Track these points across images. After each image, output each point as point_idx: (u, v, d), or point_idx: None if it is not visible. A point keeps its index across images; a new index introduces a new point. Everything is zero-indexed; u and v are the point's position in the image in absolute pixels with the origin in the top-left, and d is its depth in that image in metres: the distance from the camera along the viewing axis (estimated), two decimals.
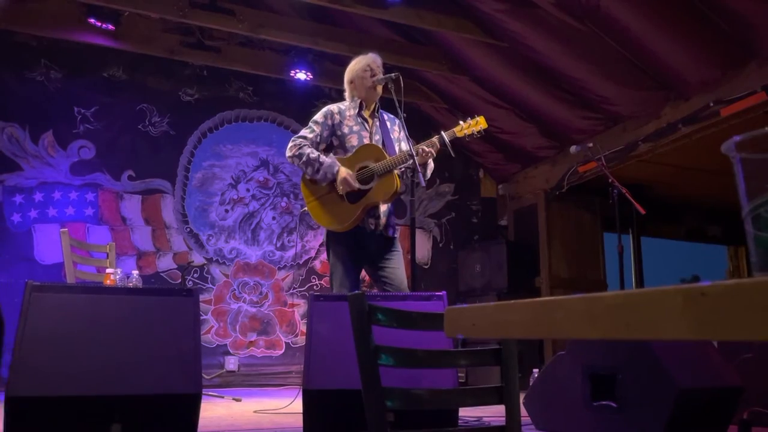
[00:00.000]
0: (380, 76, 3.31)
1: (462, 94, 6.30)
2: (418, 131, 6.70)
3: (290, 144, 3.24)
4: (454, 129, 3.25)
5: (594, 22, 4.63)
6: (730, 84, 4.53)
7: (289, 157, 3.24)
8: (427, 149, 3.15)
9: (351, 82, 3.38)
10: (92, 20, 5.21)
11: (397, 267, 3.21)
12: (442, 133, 3.22)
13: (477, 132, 3.24)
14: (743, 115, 4.44)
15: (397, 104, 3.13)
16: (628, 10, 4.39)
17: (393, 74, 3.22)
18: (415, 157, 3.06)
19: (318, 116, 3.32)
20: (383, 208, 3.24)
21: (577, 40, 4.88)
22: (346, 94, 3.42)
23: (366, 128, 3.32)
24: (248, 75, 6.24)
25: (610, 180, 4.14)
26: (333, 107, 3.35)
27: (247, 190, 6.22)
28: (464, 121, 3.27)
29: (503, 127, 6.36)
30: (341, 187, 3.14)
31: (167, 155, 5.97)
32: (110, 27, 5.28)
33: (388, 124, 3.39)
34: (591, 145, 4.61)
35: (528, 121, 6.17)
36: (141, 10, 5.24)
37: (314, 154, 3.18)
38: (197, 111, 6.16)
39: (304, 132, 3.27)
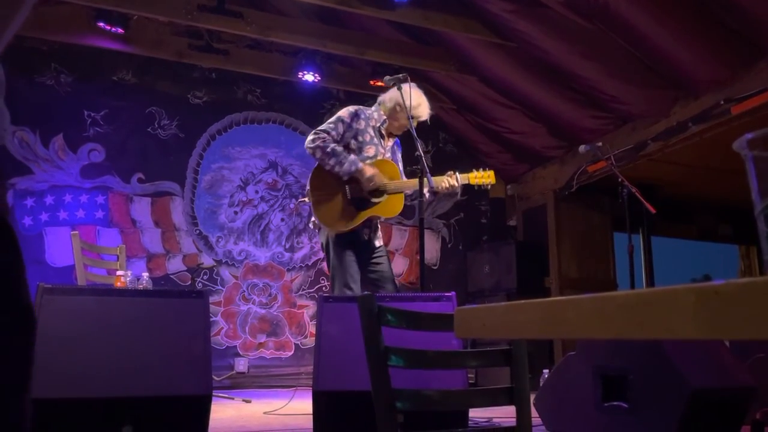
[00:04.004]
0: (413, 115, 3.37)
1: (470, 95, 6.28)
2: (426, 132, 6.73)
3: (312, 135, 3.28)
4: (468, 174, 3.38)
5: (603, 21, 4.61)
6: (741, 82, 4.49)
7: (311, 147, 3.25)
8: (446, 185, 3.28)
9: (391, 105, 3.41)
10: (101, 24, 5.24)
11: (384, 263, 3.38)
12: (457, 175, 3.32)
13: (485, 185, 3.39)
14: (754, 113, 4.40)
15: (405, 105, 3.18)
16: (637, 8, 4.37)
17: (401, 75, 3.26)
18: (429, 173, 3.13)
19: (345, 115, 3.36)
20: (378, 220, 3.40)
21: (586, 40, 4.86)
22: (385, 105, 3.46)
23: (382, 145, 3.45)
24: (256, 77, 6.26)
25: (619, 179, 4.11)
26: (360, 111, 3.41)
27: (256, 191, 6.23)
28: (477, 170, 3.41)
29: (512, 128, 6.34)
30: (370, 184, 3.23)
31: (176, 158, 6.00)
32: (119, 31, 5.31)
33: (395, 147, 3.58)
34: (600, 144, 4.58)
35: (537, 120, 6.15)
36: (149, 14, 5.26)
37: (339, 148, 3.26)
38: (206, 113, 6.18)
39: (327, 126, 3.32)
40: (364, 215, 3.24)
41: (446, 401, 1.33)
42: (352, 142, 3.34)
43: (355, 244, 3.31)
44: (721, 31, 4.32)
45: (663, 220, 7.02)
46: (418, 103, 3.37)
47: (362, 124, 3.36)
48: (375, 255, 3.38)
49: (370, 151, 3.35)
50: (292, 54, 6.04)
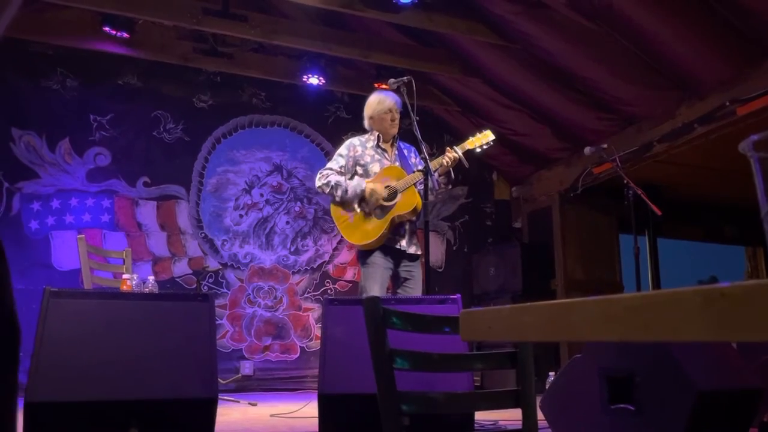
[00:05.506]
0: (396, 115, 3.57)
1: (475, 97, 6.28)
2: (431, 134, 6.73)
3: (318, 175, 3.54)
4: (465, 143, 3.50)
5: (607, 22, 4.60)
6: (746, 83, 4.48)
7: (319, 186, 3.51)
8: (447, 161, 3.38)
9: (371, 117, 3.63)
10: (107, 29, 5.26)
11: (414, 288, 3.46)
12: (455, 147, 3.44)
13: (486, 143, 3.51)
14: (760, 114, 4.38)
15: (409, 107, 3.21)
16: (641, 9, 4.36)
17: (405, 78, 3.30)
18: (430, 162, 3.23)
19: (342, 149, 3.63)
20: (407, 225, 3.49)
21: (590, 41, 4.85)
22: (366, 124, 3.68)
23: (386, 157, 3.60)
24: (261, 81, 6.27)
25: (625, 181, 4.10)
26: (354, 140, 3.65)
27: (261, 195, 6.24)
28: (473, 135, 3.55)
29: (516, 129, 6.33)
30: (373, 198, 3.38)
31: (182, 161, 6.02)
32: (125, 35, 5.33)
33: (405, 152, 3.68)
34: (605, 146, 4.57)
35: (541, 122, 6.14)
36: (155, 18, 5.28)
37: (341, 179, 3.47)
38: (211, 117, 6.20)
39: (330, 164, 3.57)
40: (387, 219, 3.36)
41: (452, 404, 1.33)
42: (357, 168, 3.55)
43: (392, 254, 3.43)
44: (726, 32, 4.31)
45: (669, 222, 6.99)
46: (381, 106, 3.57)
47: (359, 150, 3.58)
48: (410, 272, 3.46)
49: (375, 168, 3.53)
50: (297, 57, 6.05)
